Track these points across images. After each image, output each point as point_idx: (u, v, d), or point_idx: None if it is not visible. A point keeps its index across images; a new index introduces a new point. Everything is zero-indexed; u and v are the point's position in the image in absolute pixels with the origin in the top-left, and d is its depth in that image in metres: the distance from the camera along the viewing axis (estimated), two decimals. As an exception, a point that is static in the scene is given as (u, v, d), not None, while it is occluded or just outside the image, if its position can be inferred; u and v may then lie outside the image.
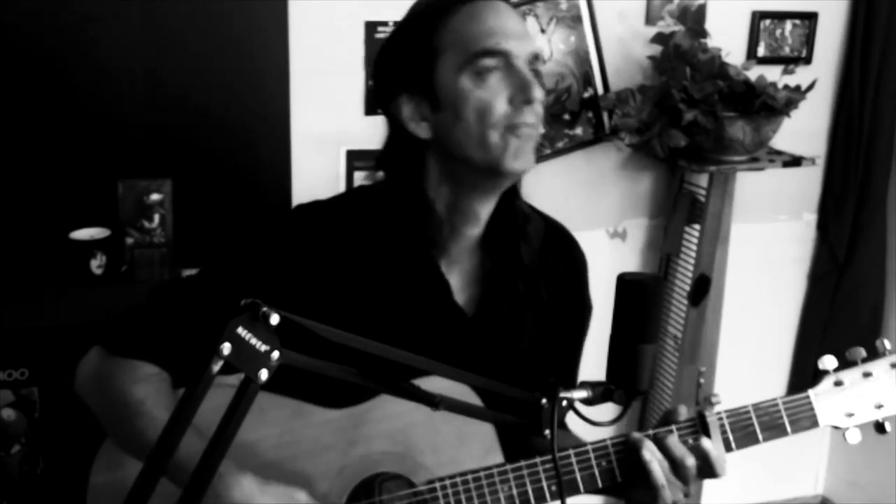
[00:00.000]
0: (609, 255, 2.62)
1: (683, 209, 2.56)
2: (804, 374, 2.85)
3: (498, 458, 1.23)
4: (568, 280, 1.39)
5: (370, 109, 2.30)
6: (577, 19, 2.42)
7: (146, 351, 1.20)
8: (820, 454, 3.05)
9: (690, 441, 1.19)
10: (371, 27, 2.25)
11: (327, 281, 1.22)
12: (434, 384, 1.04)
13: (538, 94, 1.18)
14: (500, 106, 1.18)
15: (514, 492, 1.18)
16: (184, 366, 1.21)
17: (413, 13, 1.25)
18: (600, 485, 1.19)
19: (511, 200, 1.28)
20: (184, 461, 0.88)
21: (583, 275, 1.42)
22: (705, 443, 1.18)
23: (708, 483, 2.65)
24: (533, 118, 1.19)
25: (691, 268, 2.53)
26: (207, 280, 1.25)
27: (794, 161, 2.44)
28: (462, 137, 1.19)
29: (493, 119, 1.18)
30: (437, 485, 1.19)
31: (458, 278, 1.29)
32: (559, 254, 1.38)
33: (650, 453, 1.16)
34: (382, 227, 1.25)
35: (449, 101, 1.19)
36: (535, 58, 1.21)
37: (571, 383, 1.42)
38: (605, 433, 1.20)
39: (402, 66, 1.23)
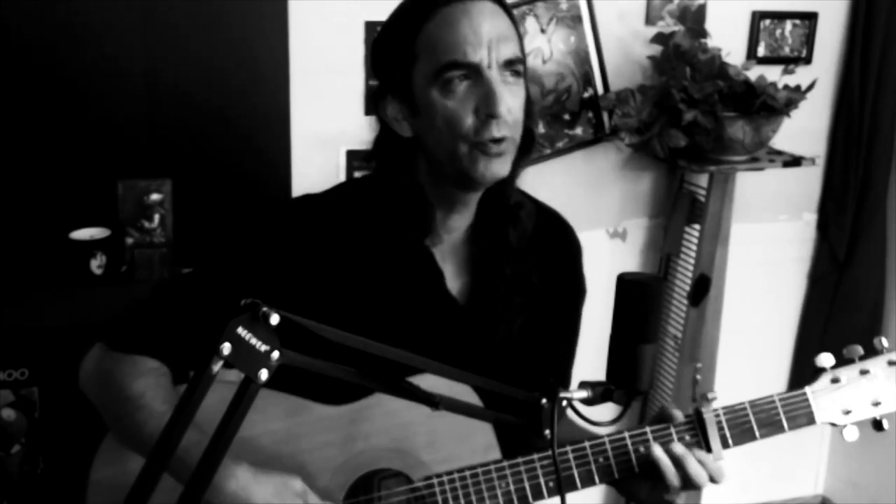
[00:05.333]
0: (609, 255, 2.62)
1: (683, 209, 2.56)
2: (804, 375, 2.83)
3: (496, 454, 1.23)
4: (562, 264, 1.40)
5: (370, 109, 2.29)
6: (577, 19, 2.42)
7: (146, 346, 1.21)
8: (820, 454, 3.05)
9: (687, 438, 1.20)
10: (371, 27, 2.25)
11: (322, 273, 1.22)
12: (433, 381, 1.04)
13: (502, 108, 1.15)
14: (467, 118, 1.16)
15: (512, 488, 1.18)
16: (184, 360, 1.22)
17: (398, 13, 1.24)
18: (598, 481, 1.19)
19: (500, 188, 1.26)
20: (182, 454, 0.89)
21: (577, 258, 1.43)
22: (705, 458, 1.19)
23: (708, 483, 2.65)
24: (502, 131, 1.16)
25: (691, 268, 2.53)
26: (206, 276, 1.26)
27: (794, 161, 2.44)
28: (435, 145, 1.20)
29: (461, 131, 1.16)
30: (435, 481, 1.19)
31: (451, 268, 1.30)
32: (552, 238, 1.39)
33: (672, 476, 1.17)
34: (376, 216, 1.25)
35: (423, 108, 1.19)
36: (512, 62, 1.17)
37: (567, 371, 1.43)
38: (605, 433, 1.21)
39: (386, 68, 1.24)
